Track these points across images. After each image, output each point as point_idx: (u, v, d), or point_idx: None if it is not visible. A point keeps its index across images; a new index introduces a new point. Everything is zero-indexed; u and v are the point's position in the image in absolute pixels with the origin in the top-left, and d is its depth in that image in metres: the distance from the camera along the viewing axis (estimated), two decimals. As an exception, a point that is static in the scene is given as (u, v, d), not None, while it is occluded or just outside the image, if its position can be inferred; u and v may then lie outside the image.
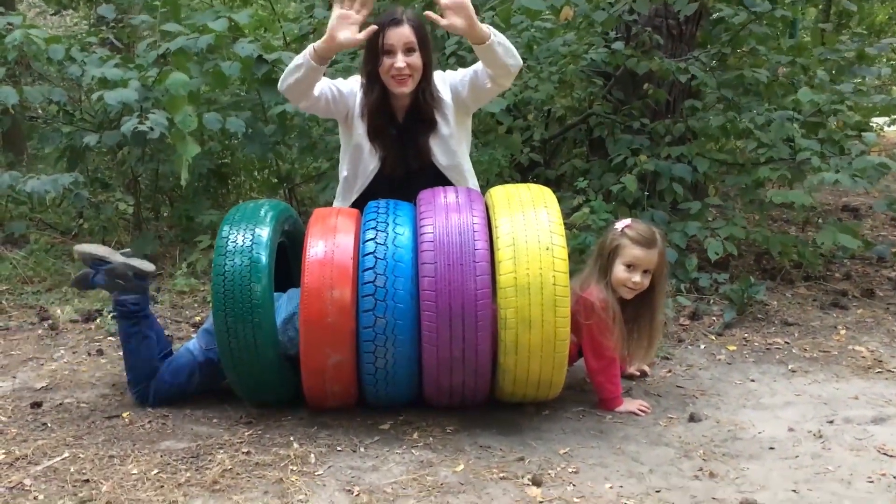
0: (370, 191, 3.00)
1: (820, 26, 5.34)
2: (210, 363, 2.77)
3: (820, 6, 6.88)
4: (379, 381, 2.56)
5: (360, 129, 3.00)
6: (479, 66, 2.92)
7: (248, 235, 2.56)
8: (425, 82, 2.94)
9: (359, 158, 3.02)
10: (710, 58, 4.67)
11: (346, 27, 2.76)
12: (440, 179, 3.01)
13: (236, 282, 2.48)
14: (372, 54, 2.91)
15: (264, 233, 2.58)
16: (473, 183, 3.10)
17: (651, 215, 4.19)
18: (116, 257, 2.81)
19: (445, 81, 3.04)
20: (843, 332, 3.64)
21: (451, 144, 3.01)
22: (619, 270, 2.76)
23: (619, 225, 2.81)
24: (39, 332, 3.63)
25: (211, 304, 2.52)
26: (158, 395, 2.78)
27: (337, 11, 2.77)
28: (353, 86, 3.04)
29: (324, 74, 2.94)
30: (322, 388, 2.59)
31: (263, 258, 2.53)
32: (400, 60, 2.85)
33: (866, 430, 2.64)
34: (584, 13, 4.45)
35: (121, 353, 3.29)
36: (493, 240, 2.54)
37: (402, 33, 2.86)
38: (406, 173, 3.00)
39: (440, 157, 3.00)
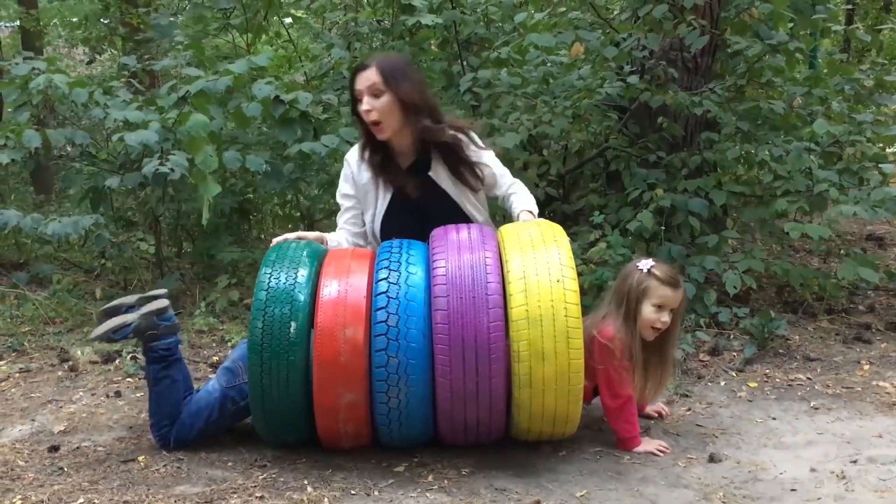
0: (386, 219, 3.09)
1: (835, 57, 5.32)
2: (229, 401, 2.78)
3: (835, 35, 6.86)
4: (392, 421, 2.55)
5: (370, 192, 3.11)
6: (509, 197, 3.10)
7: (291, 274, 2.59)
8: (414, 120, 2.97)
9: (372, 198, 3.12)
10: (726, 90, 4.66)
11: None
12: (448, 201, 3.06)
13: (276, 318, 2.51)
14: (352, 103, 3.04)
15: (303, 272, 2.60)
16: (486, 215, 3.16)
17: (668, 250, 4.16)
18: (131, 316, 2.77)
19: (482, 152, 3.12)
20: (866, 367, 3.58)
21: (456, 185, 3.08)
22: (649, 311, 2.74)
23: (644, 265, 2.79)
24: (59, 373, 3.66)
25: (247, 339, 2.54)
26: (178, 438, 2.79)
27: None
28: (345, 178, 3.17)
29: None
30: (336, 427, 2.59)
31: (302, 297, 2.55)
32: (365, 104, 2.93)
33: (891, 469, 2.58)
34: (596, 49, 4.47)
35: (138, 394, 3.33)
36: (504, 274, 2.55)
37: (366, 77, 2.95)
38: (417, 200, 3.05)
39: (453, 189, 3.07)
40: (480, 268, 2.54)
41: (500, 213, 3.91)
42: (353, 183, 3.14)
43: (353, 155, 3.17)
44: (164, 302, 2.85)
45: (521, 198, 3.08)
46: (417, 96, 2.98)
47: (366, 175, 3.10)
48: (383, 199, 3.09)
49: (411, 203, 3.04)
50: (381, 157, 3.07)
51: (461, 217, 3.04)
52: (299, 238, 2.92)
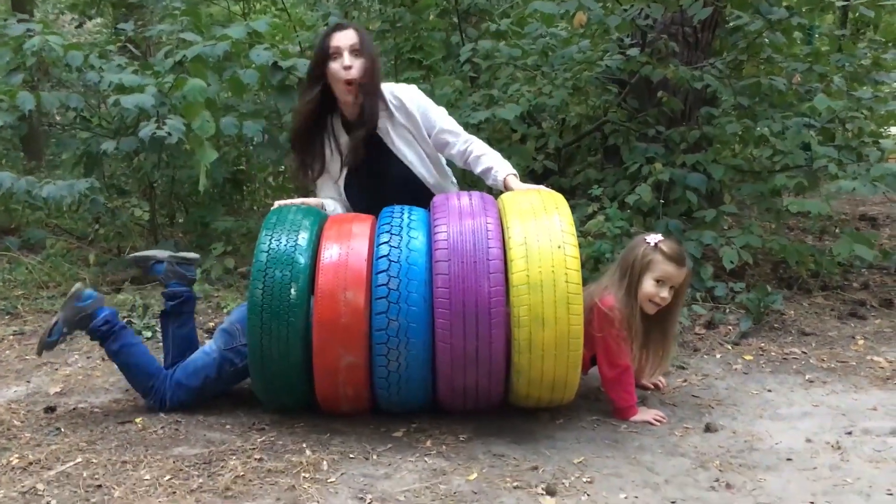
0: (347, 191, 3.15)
1: (836, 33, 5.30)
2: (227, 363, 2.78)
3: (837, 13, 6.84)
4: (391, 384, 2.56)
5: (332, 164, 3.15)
6: (457, 147, 3.07)
7: (292, 237, 2.59)
8: (374, 88, 3.03)
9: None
10: (726, 65, 4.64)
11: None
12: (407, 171, 3.10)
13: (276, 280, 2.50)
14: (318, 59, 3.03)
15: (304, 235, 2.60)
16: (436, 177, 3.17)
17: (666, 224, 4.16)
18: (58, 315, 2.81)
19: (418, 103, 3.12)
20: (861, 342, 3.60)
21: (417, 141, 3.11)
22: (649, 285, 2.74)
23: (652, 239, 2.78)
24: (54, 336, 3.63)
25: (247, 301, 2.55)
26: (175, 398, 2.78)
27: None
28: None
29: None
30: (335, 390, 2.59)
31: (303, 260, 2.54)
32: (347, 60, 2.96)
33: (885, 441, 2.60)
34: (599, 19, 4.43)
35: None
36: (505, 240, 2.55)
37: (347, 36, 3.00)
38: (371, 178, 3.09)
39: (409, 152, 3.10)
40: (482, 233, 2.53)
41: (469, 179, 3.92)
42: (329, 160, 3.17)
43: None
44: (78, 285, 2.85)
45: (493, 159, 3.02)
46: (379, 65, 3.10)
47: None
48: (336, 164, 3.13)
49: (363, 167, 3.08)
50: (333, 121, 3.11)
51: (412, 179, 3.09)
52: (301, 203, 2.91)
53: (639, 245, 2.81)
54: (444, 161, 3.24)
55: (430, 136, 3.12)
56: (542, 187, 2.87)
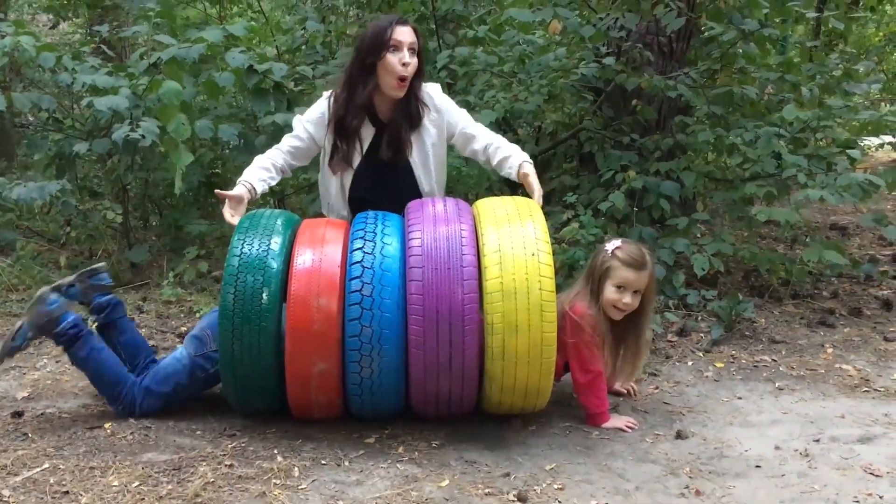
0: (352, 193, 3.09)
1: (808, 44, 5.38)
2: (198, 369, 2.75)
3: (810, 24, 6.94)
4: (364, 391, 2.55)
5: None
6: (480, 142, 3.08)
7: (264, 242, 2.57)
8: (418, 84, 3.05)
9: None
10: (700, 75, 4.69)
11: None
12: (409, 176, 3.08)
13: (248, 285, 2.49)
14: (375, 47, 2.97)
15: (277, 240, 2.59)
16: (433, 185, 3.16)
17: (640, 231, 4.19)
18: (22, 320, 2.77)
19: (445, 102, 3.14)
20: (830, 350, 3.64)
21: (429, 145, 3.09)
22: (610, 291, 2.76)
23: (610, 246, 2.81)
24: (23, 340, 3.58)
25: (219, 306, 2.54)
26: (145, 405, 2.75)
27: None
28: (314, 115, 3.12)
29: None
30: (307, 397, 2.58)
31: (275, 265, 2.53)
32: (407, 57, 2.94)
33: (853, 449, 2.63)
34: (574, 28, 4.47)
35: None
36: (480, 247, 2.55)
37: (409, 32, 2.99)
38: (379, 169, 3.06)
39: (416, 153, 3.08)
40: (456, 240, 2.54)
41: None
42: (319, 126, 3.10)
43: (326, 105, 3.12)
44: (43, 289, 2.81)
45: (509, 150, 3.04)
46: (424, 68, 3.10)
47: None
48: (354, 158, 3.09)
49: (380, 164, 3.06)
50: (363, 117, 3.07)
51: (412, 178, 3.10)
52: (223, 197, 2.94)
53: (599, 252, 2.84)
54: (444, 177, 3.25)
55: (454, 134, 3.13)
56: (516, 196, 2.88)
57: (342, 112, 3.04)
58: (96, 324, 2.90)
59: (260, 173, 3.06)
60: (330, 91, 3.13)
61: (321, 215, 3.26)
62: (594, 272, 2.81)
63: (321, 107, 3.11)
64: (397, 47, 2.94)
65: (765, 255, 4.38)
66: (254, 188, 2.99)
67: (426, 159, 3.11)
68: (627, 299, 2.76)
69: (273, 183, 3.10)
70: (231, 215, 2.88)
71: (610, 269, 2.76)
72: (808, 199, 3.90)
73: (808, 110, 4.33)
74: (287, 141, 3.15)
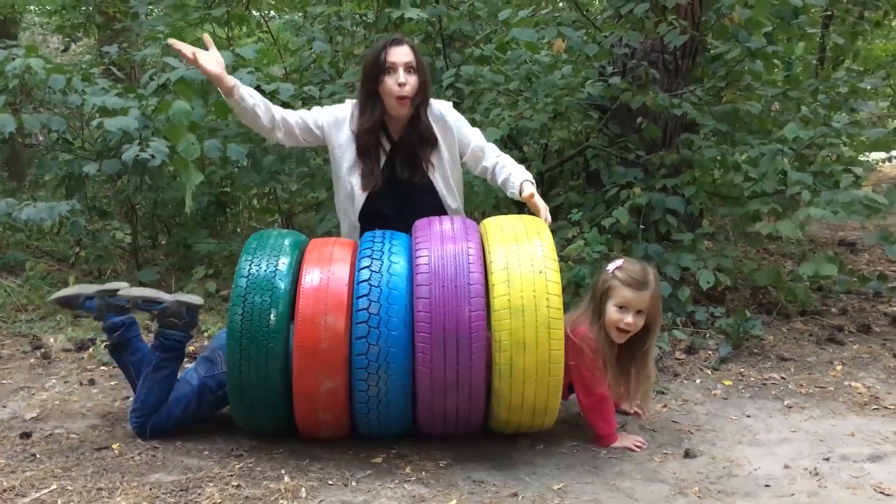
0: (368, 206, 3.10)
1: (812, 60, 5.39)
2: (207, 391, 2.76)
3: (816, 40, 6.95)
4: (371, 409, 2.55)
5: (349, 152, 3.09)
6: (489, 161, 3.12)
7: (272, 262, 2.59)
8: (424, 102, 3.07)
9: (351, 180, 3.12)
10: (706, 92, 4.70)
11: (206, 62, 2.87)
12: (432, 195, 3.11)
13: (256, 306, 2.50)
14: (373, 73, 3.01)
15: (284, 261, 2.60)
16: (458, 202, 3.20)
17: (645, 248, 4.19)
18: (165, 296, 2.86)
19: (458, 120, 3.17)
20: (839, 367, 3.63)
21: (446, 162, 3.12)
22: (612, 312, 2.73)
23: (611, 266, 2.79)
24: (32, 360, 3.61)
25: (226, 327, 2.55)
26: (155, 426, 2.75)
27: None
28: (334, 114, 3.13)
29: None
30: (314, 415, 2.58)
31: (283, 286, 2.54)
32: (402, 77, 2.97)
33: (863, 467, 2.61)
34: (578, 47, 4.49)
35: (112, 382, 3.30)
36: (487, 265, 2.56)
37: (403, 52, 3.01)
38: (399, 186, 3.08)
39: (437, 171, 3.11)
40: (463, 258, 2.54)
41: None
42: (336, 128, 3.11)
43: (349, 112, 3.14)
44: (199, 300, 2.88)
45: (512, 168, 3.07)
46: (430, 82, 3.12)
47: (349, 138, 3.11)
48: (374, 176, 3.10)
49: (400, 182, 3.09)
50: (377, 138, 3.09)
51: (436, 198, 3.12)
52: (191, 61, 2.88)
53: (601, 272, 2.83)
54: (461, 189, 3.27)
55: (465, 153, 3.17)
56: (524, 215, 2.88)
57: (358, 133, 3.08)
58: (109, 343, 2.91)
59: (251, 90, 3.02)
60: (354, 101, 3.16)
61: (330, 234, 3.28)
62: (596, 292, 2.79)
63: (344, 111, 3.13)
64: (392, 69, 2.98)
65: (765, 270, 4.37)
66: (237, 83, 2.93)
67: (447, 178, 3.13)
68: (629, 319, 2.72)
69: (251, 103, 2.97)
70: (194, 55, 2.85)
71: (611, 289, 2.74)
72: (810, 217, 3.88)
73: (813, 128, 4.33)
74: (300, 112, 3.16)
